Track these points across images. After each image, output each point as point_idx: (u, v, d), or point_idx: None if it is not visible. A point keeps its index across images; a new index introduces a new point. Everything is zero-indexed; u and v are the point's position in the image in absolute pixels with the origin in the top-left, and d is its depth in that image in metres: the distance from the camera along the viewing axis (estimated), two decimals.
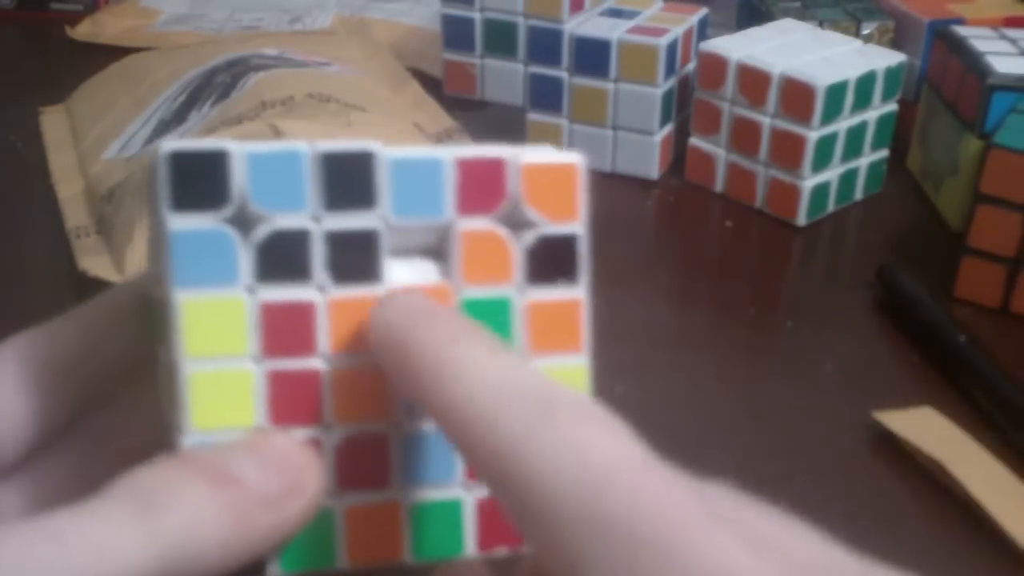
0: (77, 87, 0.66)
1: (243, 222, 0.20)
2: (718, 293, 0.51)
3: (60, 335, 0.23)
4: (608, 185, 0.61)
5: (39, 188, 0.57)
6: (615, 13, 0.62)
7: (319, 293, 0.21)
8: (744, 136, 0.57)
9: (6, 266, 0.52)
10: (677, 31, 0.59)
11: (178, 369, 0.20)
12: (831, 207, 0.58)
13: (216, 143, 0.20)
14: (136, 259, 0.45)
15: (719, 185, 0.59)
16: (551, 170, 0.22)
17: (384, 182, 0.21)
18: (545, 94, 0.61)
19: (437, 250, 0.22)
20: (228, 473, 0.19)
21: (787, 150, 0.55)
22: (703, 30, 0.63)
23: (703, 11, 0.63)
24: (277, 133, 0.47)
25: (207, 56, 0.60)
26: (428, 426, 0.21)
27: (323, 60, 0.59)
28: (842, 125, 0.55)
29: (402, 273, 0.21)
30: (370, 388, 0.21)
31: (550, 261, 0.22)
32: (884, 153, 0.59)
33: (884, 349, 0.47)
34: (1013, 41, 0.56)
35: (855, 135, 0.56)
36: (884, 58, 0.57)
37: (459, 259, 0.21)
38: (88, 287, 0.45)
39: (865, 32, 0.64)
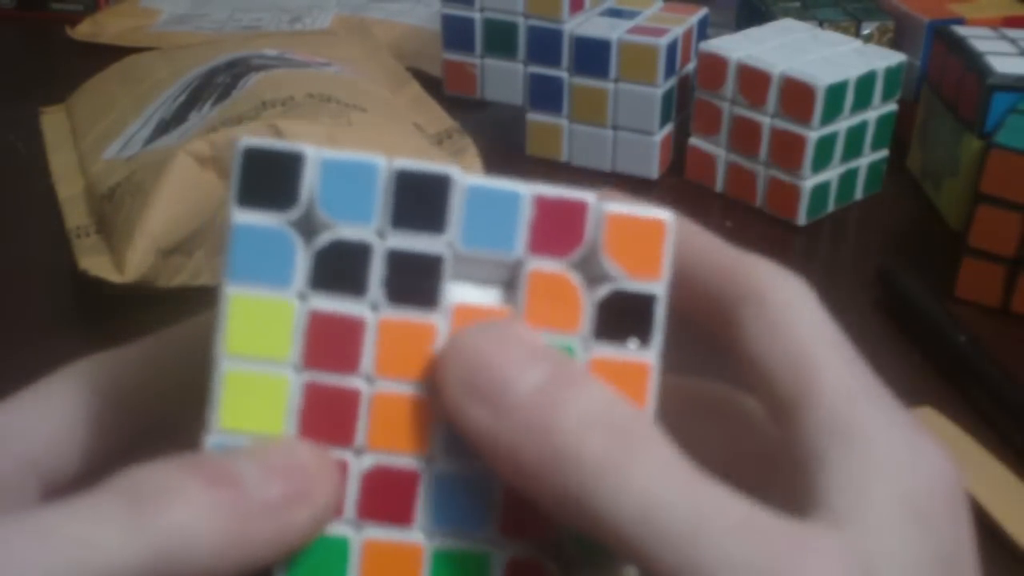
0: (77, 87, 0.66)
1: (307, 226, 0.20)
2: None
3: (124, 361, 0.23)
4: (608, 185, 0.61)
5: (39, 188, 0.57)
6: (615, 13, 0.62)
7: (371, 311, 0.20)
8: (744, 136, 0.57)
9: (6, 266, 0.53)
10: (677, 31, 0.59)
11: (216, 364, 0.20)
12: (831, 207, 0.58)
13: (294, 144, 0.20)
14: (136, 259, 0.45)
15: (719, 185, 0.59)
16: (638, 223, 0.20)
17: (457, 208, 0.20)
18: (545, 94, 0.61)
19: (503, 283, 0.21)
20: (228, 475, 0.18)
21: (787, 150, 0.55)
22: (703, 30, 0.63)
23: (703, 11, 0.63)
24: (277, 133, 0.47)
25: (207, 56, 0.60)
26: (464, 467, 0.20)
27: (323, 60, 0.59)
28: (842, 125, 0.55)
29: (464, 294, 0.20)
30: (408, 417, 0.20)
31: (624, 318, 0.20)
32: (884, 153, 0.59)
33: (884, 349, 0.47)
34: (1013, 41, 0.56)
35: (855, 135, 0.56)
36: (884, 58, 0.57)
37: (523, 298, 0.20)
38: (88, 287, 0.45)
39: (865, 32, 0.64)
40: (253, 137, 0.20)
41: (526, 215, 0.20)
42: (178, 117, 0.54)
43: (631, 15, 0.61)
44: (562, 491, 0.18)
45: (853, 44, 0.58)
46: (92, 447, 0.22)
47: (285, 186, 0.20)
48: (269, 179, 0.20)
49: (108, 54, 0.72)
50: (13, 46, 0.82)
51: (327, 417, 0.20)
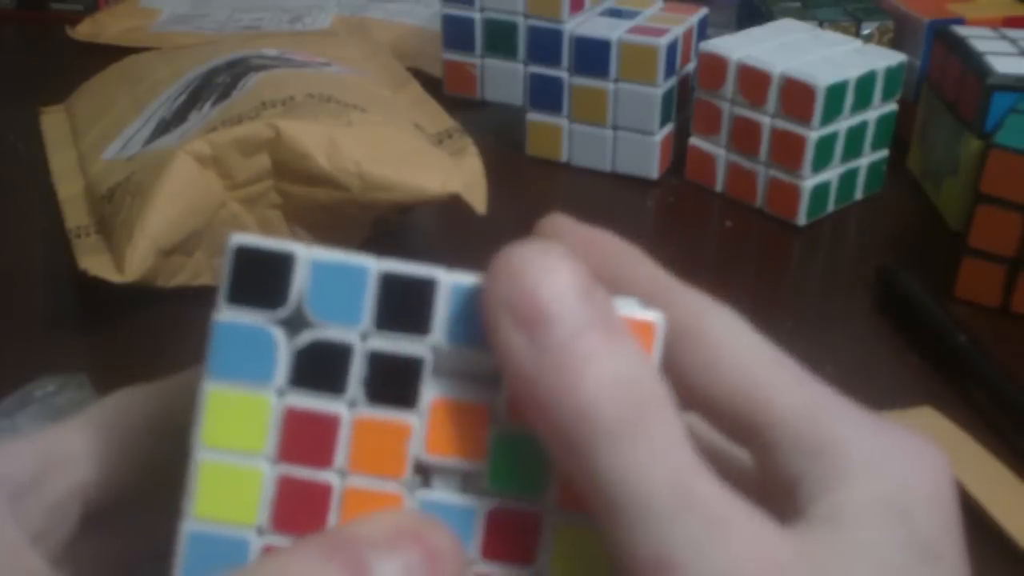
0: (77, 87, 0.66)
1: (293, 324, 0.20)
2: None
3: (167, 391, 0.24)
4: (608, 185, 0.61)
5: (39, 188, 0.57)
6: (615, 13, 0.62)
7: (348, 409, 0.20)
8: (744, 136, 0.57)
9: (6, 266, 0.53)
10: (677, 31, 0.59)
11: (192, 454, 0.20)
12: (831, 207, 0.58)
13: (285, 244, 0.20)
14: (136, 259, 0.45)
15: (719, 185, 0.59)
16: (629, 324, 0.20)
17: (442, 310, 0.20)
18: (545, 94, 0.61)
19: (486, 377, 0.21)
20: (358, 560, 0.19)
21: (787, 150, 0.55)
22: (703, 30, 0.63)
23: (703, 11, 0.63)
24: (277, 133, 0.47)
25: (207, 56, 0.60)
26: None
27: (323, 60, 0.59)
28: (842, 125, 0.55)
29: (444, 388, 0.21)
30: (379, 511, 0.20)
31: None
32: (884, 153, 0.59)
33: (884, 349, 0.47)
34: (1013, 41, 0.56)
35: (855, 135, 0.56)
36: (884, 58, 0.57)
37: (507, 392, 0.20)
38: (88, 287, 0.45)
39: (865, 32, 0.64)
40: (243, 235, 0.20)
41: None
42: (178, 117, 0.54)
43: (631, 15, 0.61)
44: (568, 438, 0.18)
45: (853, 44, 0.58)
46: (134, 474, 0.22)
47: (275, 286, 0.20)
48: (259, 278, 0.20)
49: (108, 54, 0.72)
50: (13, 46, 0.82)
51: (300, 509, 0.20)
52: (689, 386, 0.21)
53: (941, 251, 0.54)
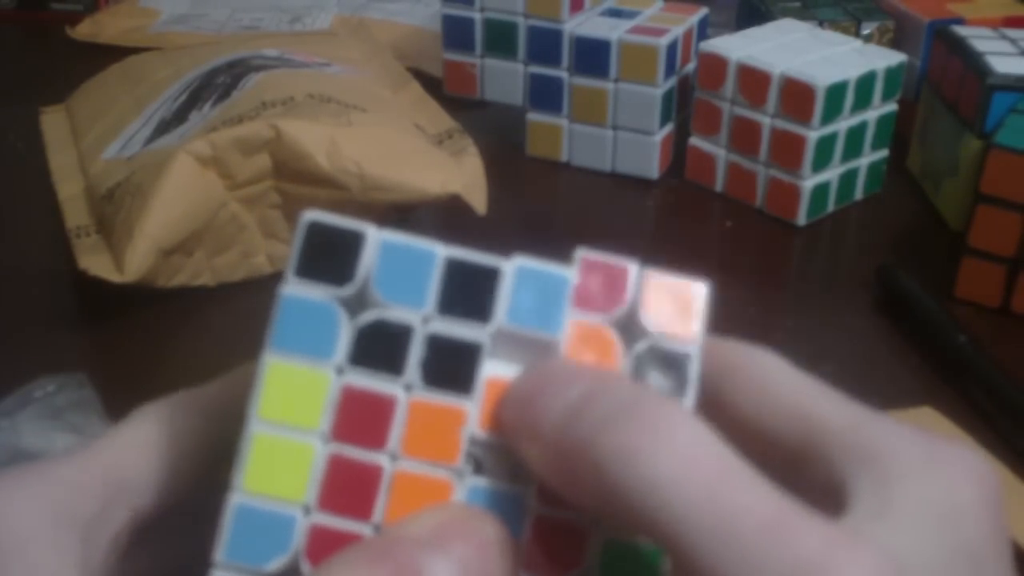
0: (77, 87, 0.66)
1: (357, 303, 0.20)
2: (718, 293, 0.51)
3: (208, 397, 0.24)
4: (608, 185, 0.61)
5: (39, 188, 0.57)
6: (615, 13, 0.62)
7: (404, 391, 0.20)
8: (744, 136, 0.57)
9: (6, 266, 0.53)
10: (677, 31, 0.59)
11: (248, 426, 0.20)
12: (831, 207, 0.58)
13: (357, 223, 0.20)
14: (136, 259, 0.45)
15: (719, 185, 0.59)
16: (674, 288, 0.21)
17: (504, 296, 0.21)
18: (545, 94, 0.61)
19: (539, 357, 0.21)
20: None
21: (787, 150, 0.55)
22: (703, 30, 0.63)
23: (703, 11, 0.63)
24: (278, 133, 0.47)
25: (207, 56, 0.60)
26: None
27: (323, 60, 0.59)
28: (842, 125, 0.55)
29: (498, 369, 0.21)
30: (428, 497, 0.20)
31: (657, 374, 0.21)
32: (884, 153, 0.59)
33: (884, 349, 0.47)
34: (1013, 41, 0.56)
35: (855, 135, 0.56)
36: (884, 58, 0.57)
37: (562, 349, 0.21)
38: (88, 287, 0.45)
39: (865, 32, 0.64)
40: (316, 212, 0.20)
41: (571, 300, 0.21)
42: (178, 117, 0.54)
43: (631, 15, 0.61)
44: (597, 492, 0.18)
45: (853, 44, 0.58)
46: (178, 481, 0.23)
47: (343, 263, 0.20)
48: (329, 254, 0.20)
49: (108, 54, 0.72)
50: (13, 46, 0.82)
51: (348, 489, 0.20)
52: (738, 415, 0.22)
53: (941, 251, 0.54)
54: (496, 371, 0.21)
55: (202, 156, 0.47)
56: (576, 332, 0.21)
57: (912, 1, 0.65)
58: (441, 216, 0.57)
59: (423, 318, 0.20)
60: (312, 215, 0.20)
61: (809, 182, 0.55)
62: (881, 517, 0.18)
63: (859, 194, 0.59)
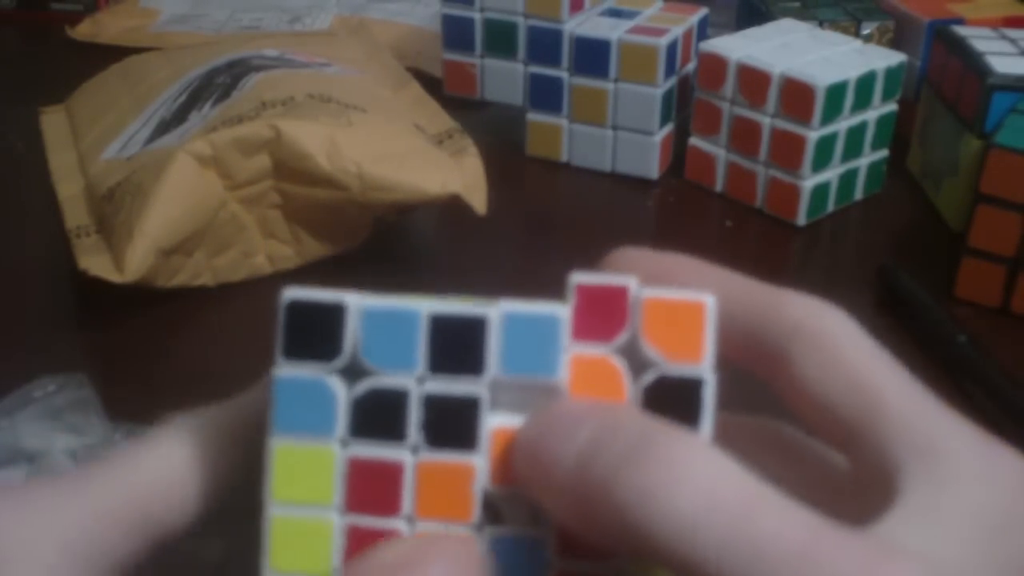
0: (77, 87, 0.66)
1: (350, 374, 0.20)
2: None
3: (233, 411, 0.24)
4: (608, 185, 0.61)
5: (39, 188, 0.57)
6: (615, 13, 0.62)
7: (410, 455, 0.20)
8: (744, 136, 0.57)
9: (6, 266, 0.53)
10: (677, 31, 0.59)
11: (265, 511, 0.20)
12: (831, 207, 0.58)
13: (336, 295, 0.20)
14: (136, 259, 0.45)
15: (719, 185, 0.59)
16: (677, 307, 0.20)
17: (494, 346, 0.20)
18: (545, 94, 0.61)
19: (542, 401, 0.21)
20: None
21: (787, 150, 0.55)
22: (703, 30, 0.63)
23: (703, 11, 0.63)
24: (278, 133, 0.47)
25: (207, 56, 0.60)
26: None
27: (323, 60, 0.59)
28: (842, 125, 0.55)
29: (503, 420, 0.20)
30: None
31: (669, 403, 0.20)
32: (884, 153, 0.59)
33: (884, 349, 0.47)
34: (1013, 41, 0.56)
35: (855, 135, 0.56)
36: (884, 58, 0.57)
37: (567, 385, 0.20)
38: (88, 287, 0.45)
39: (865, 32, 0.64)
40: (295, 289, 0.20)
41: (565, 337, 0.20)
42: (178, 117, 0.54)
43: (631, 15, 0.61)
44: (621, 534, 0.18)
45: (853, 44, 0.58)
46: (202, 506, 0.23)
47: (329, 338, 0.20)
48: (313, 331, 0.20)
49: (108, 54, 0.72)
50: (13, 46, 0.82)
51: None
52: (801, 379, 0.21)
53: (941, 251, 0.54)
54: (502, 421, 0.20)
55: (202, 156, 0.47)
56: (579, 366, 0.20)
57: (912, 1, 0.65)
58: (441, 216, 0.57)
59: (417, 380, 0.20)
60: (291, 293, 0.20)
61: (809, 182, 0.55)
62: (928, 519, 0.18)
63: (859, 194, 0.59)
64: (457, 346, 0.20)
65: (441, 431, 0.20)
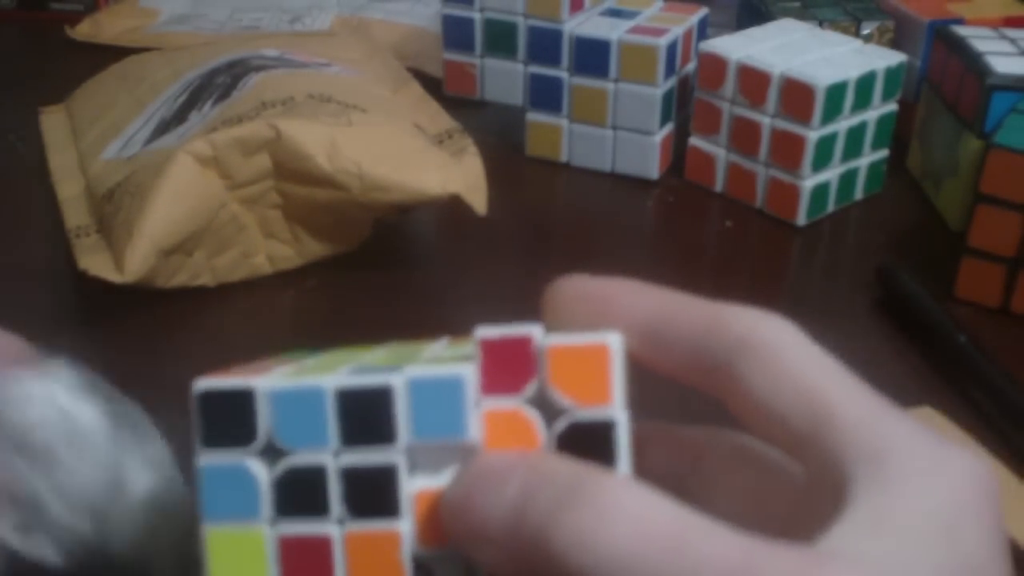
0: (77, 87, 0.66)
1: (268, 456, 0.21)
2: (718, 293, 0.51)
3: None
4: (608, 185, 0.61)
5: (39, 188, 0.57)
6: (615, 13, 0.62)
7: (337, 527, 0.21)
8: (744, 136, 0.57)
9: (6, 266, 0.53)
10: (677, 31, 0.59)
11: None
12: (831, 207, 0.58)
13: (243, 381, 0.21)
14: (136, 258, 0.45)
15: (719, 185, 0.59)
16: (580, 352, 0.20)
17: (403, 413, 0.20)
18: (545, 94, 0.61)
19: (461, 458, 0.21)
20: None
21: (787, 150, 0.55)
22: (703, 30, 0.63)
23: (703, 11, 0.63)
24: (278, 133, 0.47)
25: (207, 56, 0.60)
26: None
27: (323, 61, 0.59)
28: (842, 125, 0.55)
29: (424, 482, 0.21)
30: None
31: (584, 448, 0.20)
32: (884, 153, 0.59)
33: (884, 349, 0.47)
34: (1013, 41, 0.56)
35: (855, 135, 0.56)
36: (884, 58, 0.57)
37: (481, 441, 0.21)
38: (88, 287, 0.45)
39: (865, 32, 0.64)
40: (205, 379, 0.21)
41: (472, 397, 0.20)
42: (178, 117, 0.54)
43: (631, 15, 0.61)
44: None
45: (853, 44, 0.58)
46: None
47: (242, 423, 0.21)
48: (227, 418, 0.21)
49: (108, 54, 0.72)
50: (13, 46, 0.82)
51: None
52: (748, 391, 0.21)
53: (941, 251, 0.54)
54: (423, 483, 0.21)
55: (202, 156, 0.47)
56: (492, 421, 0.21)
57: (912, 1, 0.65)
58: (441, 216, 0.57)
59: (332, 454, 0.21)
60: (202, 385, 0.21)
61: (809, 182, 0.55)
62: (877, 525, 0.18)
63: (859, 194, 0.59)
64: (366, 417, 0.20)
65: (363, 501, 0.21)
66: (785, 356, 0.21)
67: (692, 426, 0.24)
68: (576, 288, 0.23)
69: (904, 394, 0.45)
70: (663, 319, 0.22)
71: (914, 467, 0.19)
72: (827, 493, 0.19)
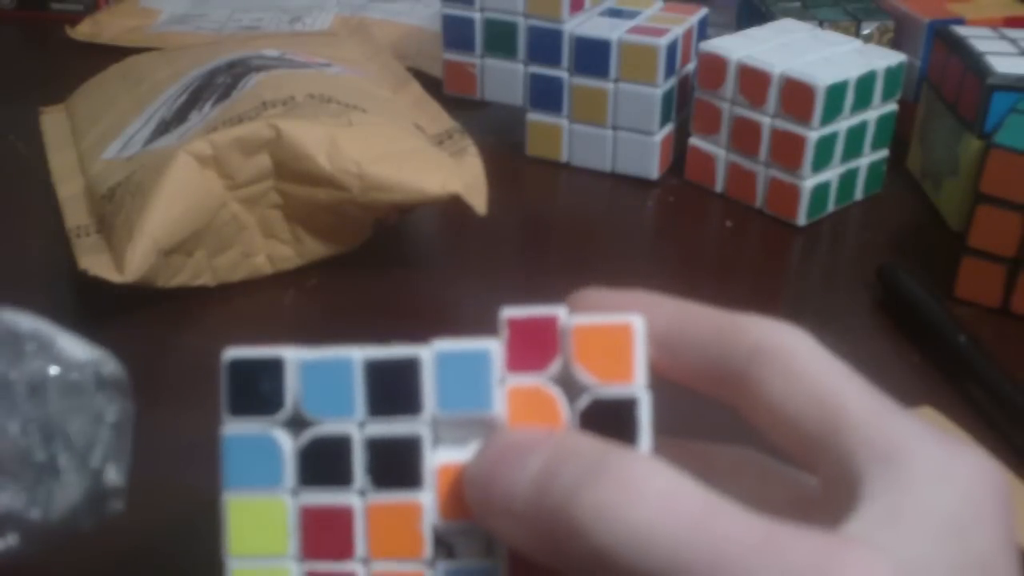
0: (77, 87, 0.66)
1: (295, 425, 0.21)
2: (718, 293, 0.51)
3: None
4: (608, 185, 0.61)
5: (39, 188, 0.57)
6: (615, 13, 0.62)
7: (359, 498, 0.21)
8: (744, 136, 0.57)
9: (6, 266, 0.53)
10: (677, 31, 0.59)
11: (224, 566, 0.21)
12: (831, 207, 0.58)
13: (274, 351, 0.21)
14: (136, 258, 0.45)
15: (719, 185, 0.59)
16: (604, 331, 0.21)
17: (429, 385, 0.21)
18: (545, 94, 0.61)
19: (484, 434, 0.21)
20: None
21: (787, 150, 0.55)
22: (703, 30, 0.63)
23: (703, 11, 0.63)
24: (278, 133, 0.47)
25: (207, 56, 0.60)
26: None
27: (323, 61, 0.59)
28: (842, 125, 0.55)
29: (447, 455, 0.21)
30: None
31: (606, 425, 0.21)
32: (884, 153, 0.59)
33: (884, 349, 0.47)
34: (1013, 41, 0.56)
35: (855, 135, 0.56)
36: (884, 58, 0.57)
37: (504, 416, 0.21)
38: (88, 287, 0.45)
39: (865, 32, 0.64)
40: (235, 348, 0.21)
41: (497, 371, 0.21)
42: (178, 117, 0.54)
43: (631, 15, 0.61)
44: (581, 555, 0.18)
45: (853, 44, 0.58)
46: None
47: (271, 392, 0.21)
48: (255, 387, 0.21)
49: (108, 54, 0.72)
50: (13, 46, 0.82)
51: None
52: (763, 396, 0.21)
53: (941, 251, 0.54)
54: (446, 457, 0.21)
55: (202, 156, 0.47)
56: (516, 397, 0.21)
57: (912, 1, 0.65)
58: (441, 216, 0.57)
59: (358, 425, 0.21)
60: (231, 353, 0.21)
61: (809, 182, 0.55)
62: (891, 522, 0.18)
63: (859, 194, 0.59)
64: (393, 388, 0.21)
65: (386, 472, 0.21)
66: (798, 361, 0.21)
67: (698, 440, 0.24)
68: (593, 300, 0.23)
69: (904, 394, 0.45)
70: (679, 328, 0.22)
71: (926, 467, 0.19)
72: (841, 496, 0.20)
